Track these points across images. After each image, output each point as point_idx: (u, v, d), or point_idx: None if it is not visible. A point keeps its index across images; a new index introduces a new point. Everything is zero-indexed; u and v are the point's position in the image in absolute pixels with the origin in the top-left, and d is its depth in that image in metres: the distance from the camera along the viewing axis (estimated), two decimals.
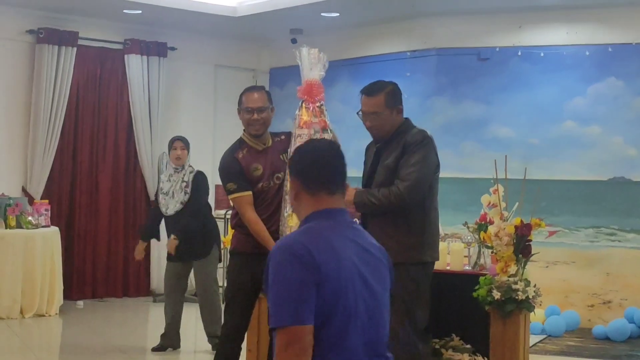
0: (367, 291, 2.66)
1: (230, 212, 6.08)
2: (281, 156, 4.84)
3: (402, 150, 4.38)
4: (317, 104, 4.66)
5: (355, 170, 4.71)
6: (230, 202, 5.00)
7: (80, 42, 10.03)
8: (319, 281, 2.52)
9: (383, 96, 4.48)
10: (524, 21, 9.48)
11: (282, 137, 4.95)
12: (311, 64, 4.71)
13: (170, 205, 6.96)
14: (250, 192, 4.78)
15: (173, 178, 7.04)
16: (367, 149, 4.73)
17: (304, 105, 4.67)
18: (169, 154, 7.28)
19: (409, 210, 4.36)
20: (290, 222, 4.41)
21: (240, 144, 4.93)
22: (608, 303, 9.04)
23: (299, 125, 4.61)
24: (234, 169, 4.82)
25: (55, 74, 9.81)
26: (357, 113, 4.57)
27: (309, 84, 4.69)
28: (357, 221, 4.75)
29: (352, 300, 2.59)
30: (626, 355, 7.72)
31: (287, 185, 4.52)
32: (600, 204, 9.17)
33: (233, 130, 5.22)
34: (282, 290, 2.53)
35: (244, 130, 4.98)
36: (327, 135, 4.59)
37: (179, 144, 7.11)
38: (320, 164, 2.81)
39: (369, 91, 4.52)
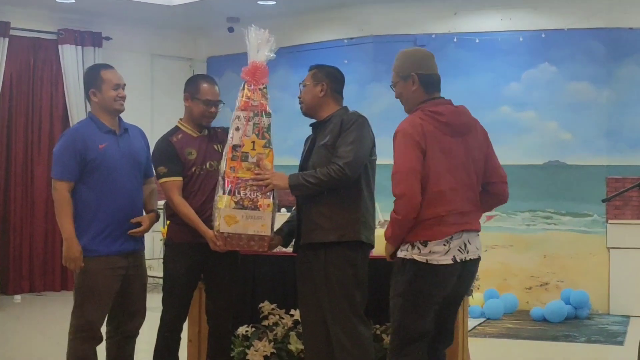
0: None
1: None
2: (215, 146, 4.83)
3: (339, 130, 4.43)
4: (260, 87, 4.65)
5: (293, 159, 4.74)
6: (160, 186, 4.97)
7: (12, 32, 9.85)
8: None
9: (314, 70, 4.66)
10: (459, 8, 9.57)
11: (219, 130, 4.94)
12: (259, 45, 4.69)
13: None
14: (180, 178, 4.75)
15: None
16: (306, 141, 4.76)
17: (246, 86, 4.64)
18: None
19: (343, 189, 4.39)
20: (220, 204, 4.40)
21: (175, 130, 4.90)
22: (545, 285, 9.21)
23: (239, 107, 4.60)
24: (167, 152, 4.78)
25: None
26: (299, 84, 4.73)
27: (254, 65, 4.66)
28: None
29: None
30: (563, 336, 7.86)
31: (221, 169, 4.51)
32: (537, 187, 9.32)
33: (170, 119, 5.16)
34: None
35: (180, 119, 4.94)
36: (266, 120, 4.58)
37: None
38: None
39: (309, 67, 4.75)
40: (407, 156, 3.96)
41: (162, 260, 5.01)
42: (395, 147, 4.02)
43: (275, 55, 4.73)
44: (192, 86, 4.88)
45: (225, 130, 4.78)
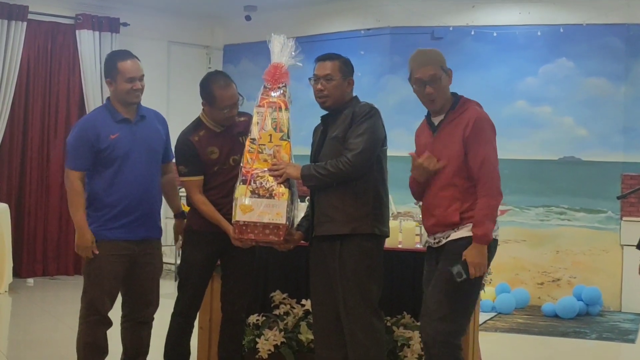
0: None
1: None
2: (240, 138, 4.80)
3: (350, 122, 4.42)
4: (279, 86, 4.65)
5: (306, 149, 4.73)
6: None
7: (30, 16, 9.88)
8: None
9: (338, 62, 4.56)
10: (477, 1, 9.53)
11: (244, 118, 4.90)
12: (281, 49, 4.71)
13: None
14: (200, 177, 4.76)
15: None
16: (315, 131, 4.73)
17: (266, 86, 4.67)
18: None
19: (355, 182, 4.38)
20: (236, 193, 4.42)
21: (197, 125, 4.85)
22: (557, 281, 9.18)
23: (259, 103, 4.62)
24: (187, 152, 4.77)
25: (5, 48, 9.66)
26: (309, 79, 4.61)
27: (273, 66, 4.68)
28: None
29: None
30: (574, 332, 7.84)
31: (243, 160, 4.53)
32: (551, 183, 9.29)
33: (187, 106, 5.16)
34: None
35: (203, 109, 4.88)
36: (284, 114, 4.58)
37: None
38: None
39: (324, 57, 4.61)
40: (494, 144, 4.20)
41: (174, 248, 5.03)
42: (482, 133, 4.17)
43: (302, 64, 4.72)
44: (206, 95, 4.77)
45: (251, 118, 4.77)
